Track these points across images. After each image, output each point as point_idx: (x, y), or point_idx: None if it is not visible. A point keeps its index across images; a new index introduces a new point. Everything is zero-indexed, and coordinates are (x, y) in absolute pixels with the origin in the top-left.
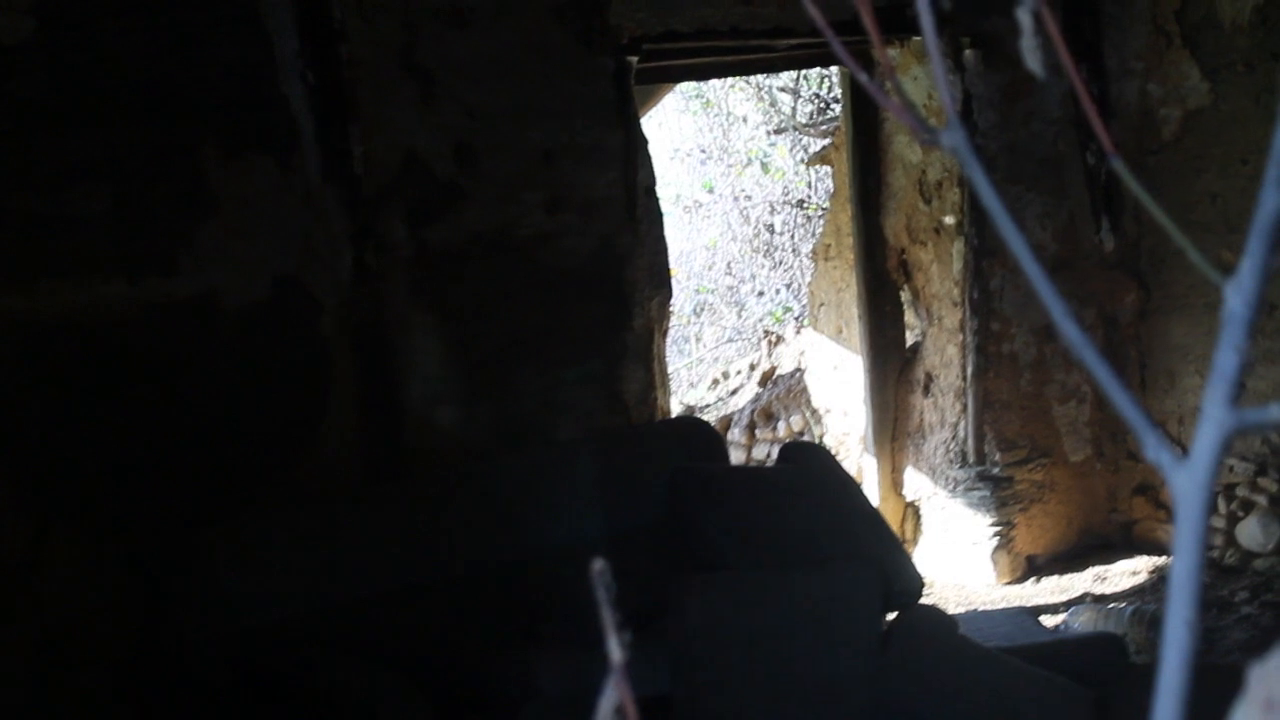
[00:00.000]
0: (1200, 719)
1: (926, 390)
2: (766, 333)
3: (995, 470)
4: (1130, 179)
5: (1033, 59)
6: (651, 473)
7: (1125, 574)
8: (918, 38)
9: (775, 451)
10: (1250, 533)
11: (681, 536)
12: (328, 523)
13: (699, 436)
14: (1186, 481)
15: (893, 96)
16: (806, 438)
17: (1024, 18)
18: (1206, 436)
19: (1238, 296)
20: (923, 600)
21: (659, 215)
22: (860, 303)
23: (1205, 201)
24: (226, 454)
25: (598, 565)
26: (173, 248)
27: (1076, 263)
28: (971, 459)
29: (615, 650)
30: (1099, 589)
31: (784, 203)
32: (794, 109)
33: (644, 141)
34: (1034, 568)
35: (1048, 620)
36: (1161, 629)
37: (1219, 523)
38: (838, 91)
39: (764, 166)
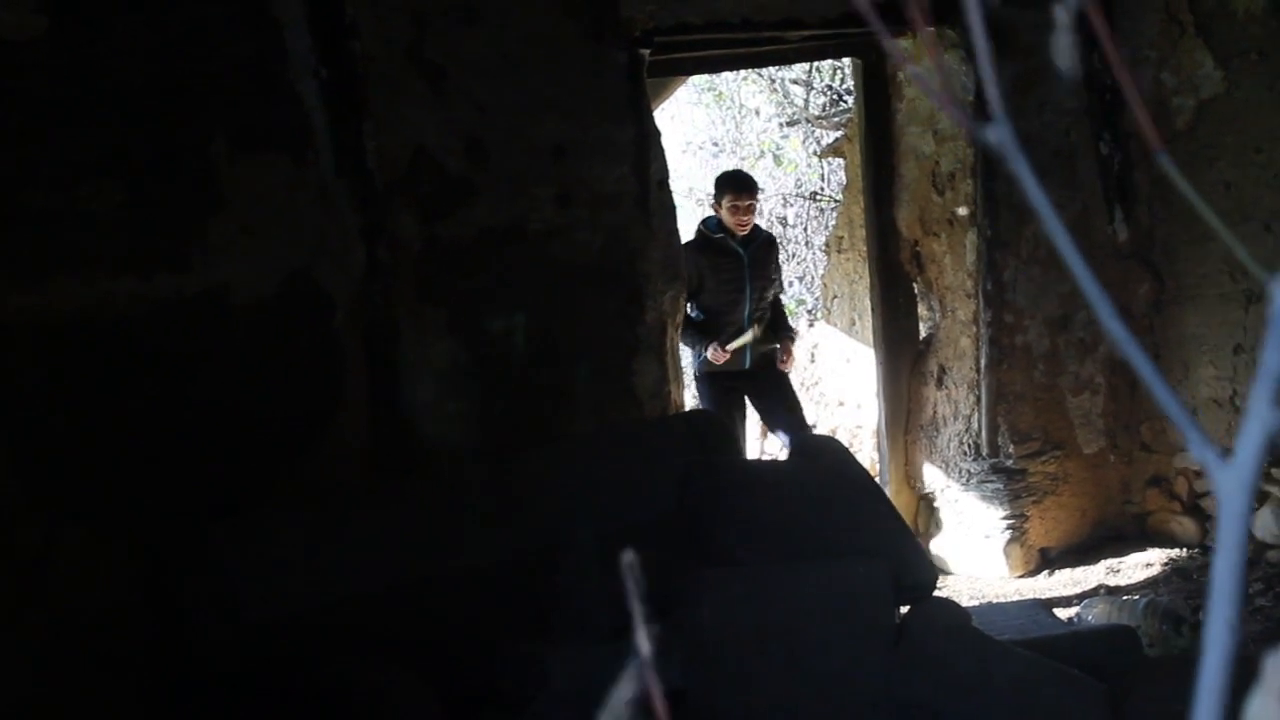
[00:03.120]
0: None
1: (940, 382)
2: None
3: (1008, 463)
4: (1179, 176)
5: (1065, 56)
6: (664, 467)
7: (1139, 566)
8: (929, 29)
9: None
10: (1264, 524)
11: (694, 531)
12: (337, 517)
13: (712, 430)
14: (1230, 480)
15: (938, 86)
16: (819, 431)
17: (1061, 15)
18: (1251, 435)
19: None
20: (936, 593)
21: (671, 208)
22: (873, 295)
23: (1219, 190)
24: (238, 450)
25: (628, 557)
26: (184, 244)
27: (1090, 253)
28: (985, 451)
29: (643, 642)
30: (1112, 581)
31: (796, 195)
32: (806, 101)
33: (656, 134)
34: (1047, 560)
35: (1061, 613)
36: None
37: None
38: (850, 84)
39: (776, 159)
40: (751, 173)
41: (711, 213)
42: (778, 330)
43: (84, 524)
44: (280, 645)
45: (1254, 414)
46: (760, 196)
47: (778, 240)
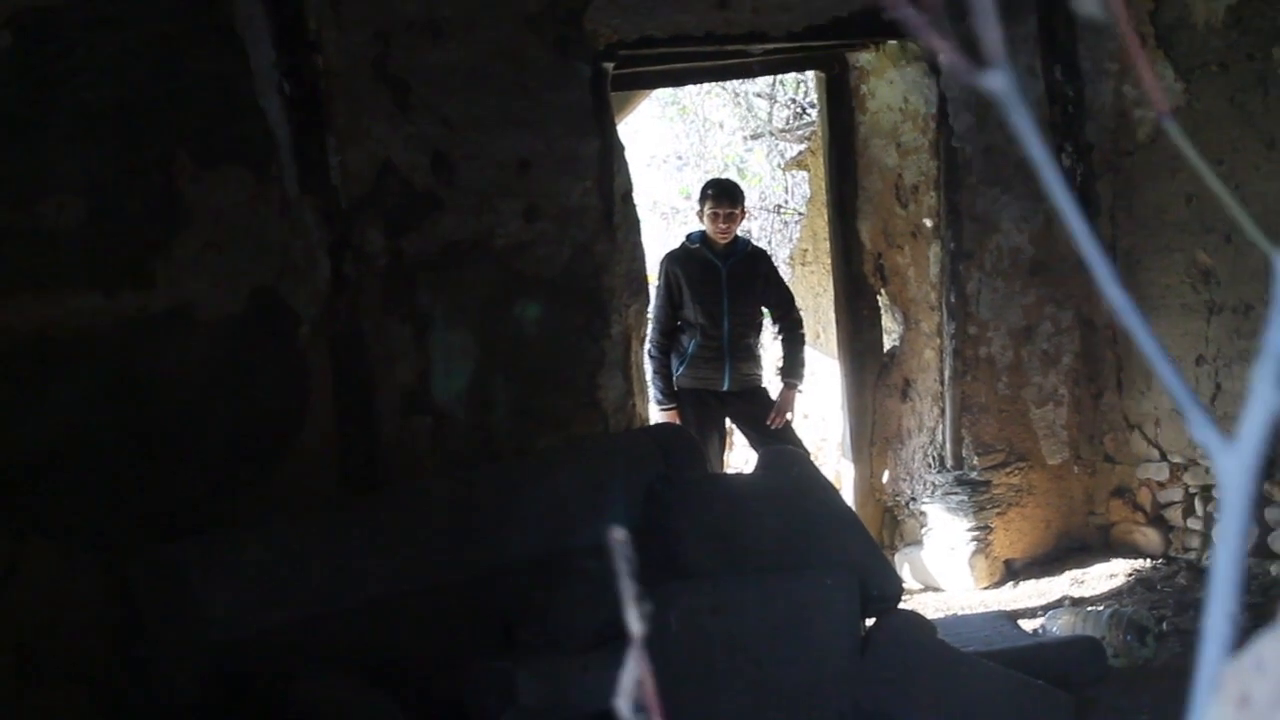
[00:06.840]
0: (1177, 719)
1: (904, 394)
2: None
3: (973, 474)
4: (1186, 144)
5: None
6: (630, 481)
7: (1103, 577)
8: (893, 41)
9: (754, 458)
10: None
11: (660, 544)
12: (303, 535)
13: (677, 444)
14: (1233, 464)
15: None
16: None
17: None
18: (1255, 417)
19: None
20: (901, 605)
21: (636, 222)
22: (837, 307)
23: (1180, 202)
24: (203, 466)
25: (618, 533)
26: (148, 260)
27: (1053, 265)
28: (949, 463)
29: (635, 622)
30: (1077, 592)
31: (761, 208)
32: (770, 114)
33: (620, 148)
34: (1012, 572)
35: (1026, 624)
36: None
37: (1196, 524)
38: (813, 97)
39: (741, 172)
40: None
41: (699, 224)
42: (785, 370)
43: (48, 542)
44: (246, 663)
45: (1257, 396)
46: (745, 208)
47: (769, 255)
